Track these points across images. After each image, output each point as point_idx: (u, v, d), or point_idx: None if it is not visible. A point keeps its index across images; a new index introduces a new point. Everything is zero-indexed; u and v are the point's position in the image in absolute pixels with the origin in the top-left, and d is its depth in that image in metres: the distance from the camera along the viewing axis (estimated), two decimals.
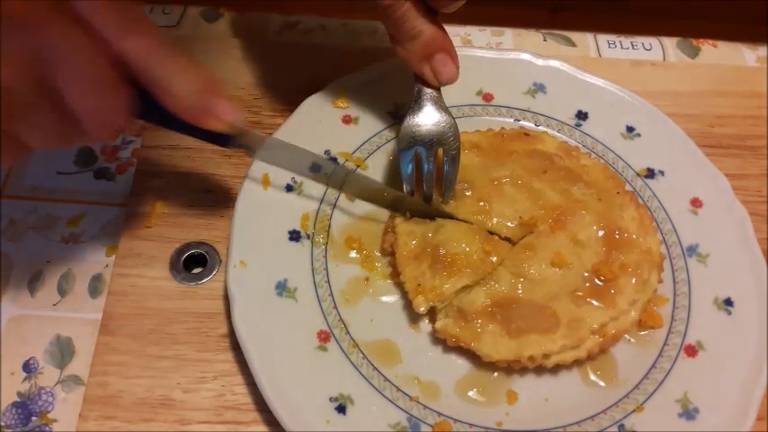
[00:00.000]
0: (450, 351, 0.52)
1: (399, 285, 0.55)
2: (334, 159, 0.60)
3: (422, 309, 0.52)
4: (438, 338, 0.53)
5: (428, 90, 0.56)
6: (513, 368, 0.51)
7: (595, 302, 0.52)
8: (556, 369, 0.52)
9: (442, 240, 0.54)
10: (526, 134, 0.61)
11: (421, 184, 0.56)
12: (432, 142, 0.55)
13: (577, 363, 0.52)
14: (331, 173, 0.57)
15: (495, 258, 0.54)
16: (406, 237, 0.55)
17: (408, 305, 0.53)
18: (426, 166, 0.55)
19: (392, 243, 0.56)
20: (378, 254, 0.57)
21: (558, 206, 0.56)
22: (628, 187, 0.60)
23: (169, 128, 0.47)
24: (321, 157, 0.55)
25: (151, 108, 0.43)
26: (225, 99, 0.44)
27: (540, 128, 0.64)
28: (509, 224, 0.56)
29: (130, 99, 0.41)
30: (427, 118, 0.55)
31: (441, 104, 0.56)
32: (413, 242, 0.55)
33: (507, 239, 0.56)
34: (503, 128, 0.62)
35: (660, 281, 0.54)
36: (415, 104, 0.56)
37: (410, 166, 0.55)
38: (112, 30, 0.39)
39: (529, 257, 0.53)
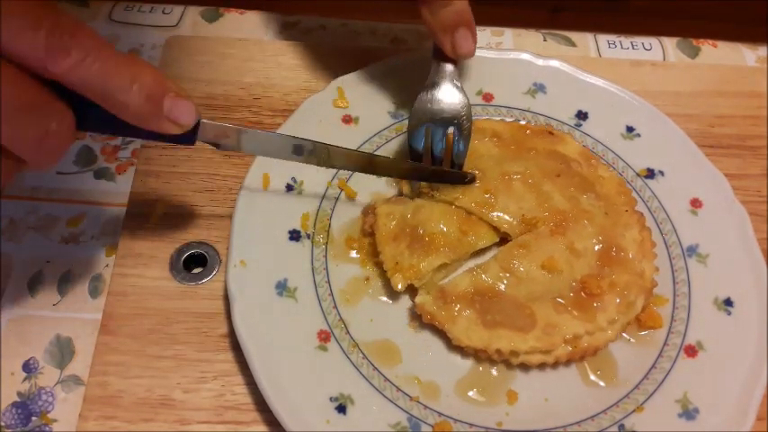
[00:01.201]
0: (452, 351, 0.52)
1: (378, 265, 0.55)
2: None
3: (399, 286, 0.52)
4: (438, 336, 0.53)
5: (447, 66, 0.56)
6: (480, 357, 0.52)
7: (576, 313, 0.52)
8: (556, 367, 0.52)
9: (420, 220, 0.54)
10: (550, 133, 0.61)
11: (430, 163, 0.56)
12: (444, 120, 0.55)
13: (545, 365, 0.52)
14: (312, 150, 0.52)
15: (472, 238, 0.54)
16: (385, 218, 0.56)
17: (394, 293, 0.54)
18: (438, 146, 0.55)
19: (372, 224, 0.56)
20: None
21: (563, 211, 0.56)
22: (627, 187, 0.60)
23: (123, 135, 0.43)
24: (299, 139, 0.51)
25: (99, 118, 0.40)
26: (179, 99, 0.41)
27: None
28: (510, 219, 0.56)
29: (70, 118, 0.38)
30: (443, 94, 0.56)
31: (457, 83, 0.56)
32: (392, 223, 0.55)
33: (505, 234, 0.56)
34: (528, 122, 0.62)
35: (646, 306, 0.54)
36: (431, 80, 0.56)
37: (421, 142, 0.55)
38: (39, 52, 0.35)
39: (521, 255, 0.54)
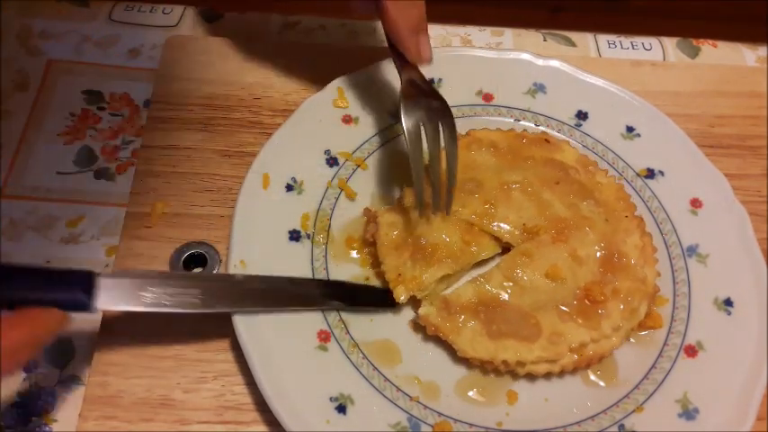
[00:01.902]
0: (452, 351, 0.52)
1: (380, 275, 0.55)
2: (334, 159, 0.60)
3: (402, 298, 0.52)
4: (427, 332, 0.52)
5: (414, 70, 0.54)
6: (486, 368, 0.52)
7: (580, 321, 0.51)
8: (562, 376, 0.52)
9: (423, 231, 0.54)
10: (547, 141, 0.61)
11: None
12: (434, 117, 0.53)
13: (550, 374, 0.52)
14: None
15: (475, 248, 0.54)
16: (387, 227, 0.55)
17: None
18: (431, 139, 0.54)
19: (374, 233, 0.56)
20: None
21: (564, 219, 0.55)
22: (628, 187, 0.60)
23: None
24: None
25: None
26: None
27: (543, 129, 0.64)
28: (511, 229, 0.55)
29: None
30: (425, 95, 0.54)
31: (431, 87, 0.55)
32: (394, 232, 0.55)
33: (507, 244, 0.56)
34: (525, 130, 0.62)
35: (649, 313, 0.54)
36: (406, 92, 0.54)
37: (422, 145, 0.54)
38: None
39: (524, 264, 0.53)
